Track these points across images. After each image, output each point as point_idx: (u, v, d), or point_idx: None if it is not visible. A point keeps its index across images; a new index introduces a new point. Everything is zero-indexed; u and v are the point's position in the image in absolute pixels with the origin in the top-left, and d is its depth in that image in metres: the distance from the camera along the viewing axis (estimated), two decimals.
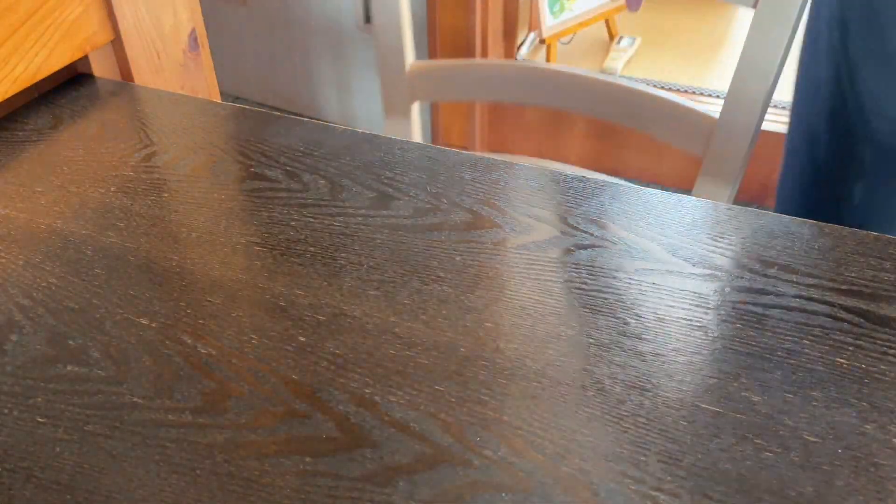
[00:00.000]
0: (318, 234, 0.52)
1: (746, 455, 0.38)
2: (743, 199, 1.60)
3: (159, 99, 0.71)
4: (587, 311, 0.45)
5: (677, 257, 0.49)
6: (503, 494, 0.36)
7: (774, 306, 0.46)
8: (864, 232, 0.51)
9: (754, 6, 0.74)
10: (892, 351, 0.43)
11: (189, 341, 0.45)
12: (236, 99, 2.12)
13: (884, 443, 0.38)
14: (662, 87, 1.97)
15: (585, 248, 0.50)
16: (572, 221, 0.53)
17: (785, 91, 0.87)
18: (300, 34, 1.94)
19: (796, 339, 0.44)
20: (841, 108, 0.72)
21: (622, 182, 0.56)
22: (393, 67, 0.83)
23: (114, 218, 0.55)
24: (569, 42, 2.18)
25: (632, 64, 2.12)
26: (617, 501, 0.36)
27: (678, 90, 1.99)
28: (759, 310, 0.45)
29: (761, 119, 0.78)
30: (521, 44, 2.00)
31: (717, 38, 2.19)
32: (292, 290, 0.48)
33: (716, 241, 0.51)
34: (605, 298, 0.46)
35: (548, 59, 1.91)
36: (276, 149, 0.62)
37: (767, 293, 0.47)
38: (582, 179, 0.57)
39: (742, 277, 0.48)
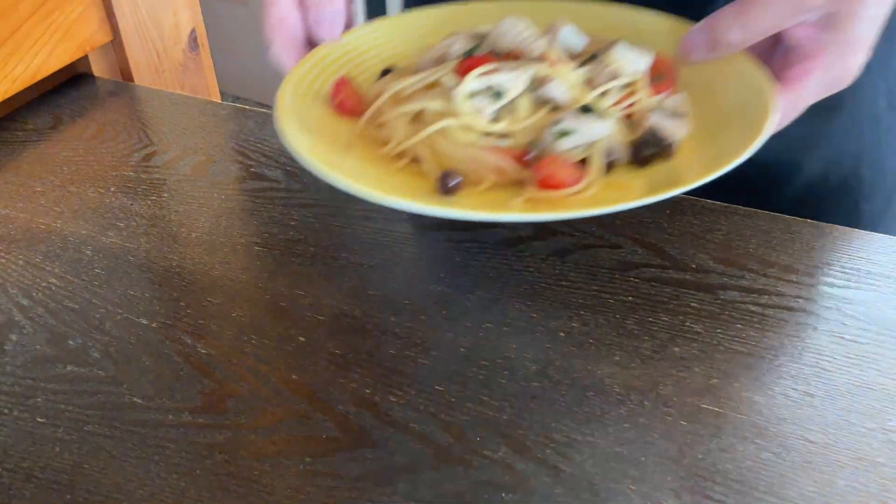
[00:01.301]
0: (318, 234, 0.52)
1: (747, 455, 0.38)
2: None
3: (159, 99, 0.71)
4: (587, 310, 0.45)
5: (676, 257, 0.49)
6: (503, 494, 0.36)
7: (774, 306, 0.46)
8: (866, 232, 0.51)
9: None
10: (891, 353, 0.43)
11: (189, 341, 0.45)
12: (236, 99, 2.12)
13: (885, 443, 0.38)
14: None
15: (585, 248, 0.50)
16: (572, 222, 0.53)
17: None
18: None
19: (797, 338, 0.44)
20: None
21: None
22: None
23: (113, 218, 0.55)
24: None
25: None
26: (617, 501, 0.36)
27: None
28: (758, 310, 0.45)
29: None
30: None
31: None
32: (292, 290, 0.48)
33: (715, 241, 0.51)
34: (605, 298, 0.46)
35: None
36: (276, 149, 0.62)
37: (767, 293, 0.47)
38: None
39: (742, 277, 0.48)
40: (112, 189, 0.58)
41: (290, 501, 0.36)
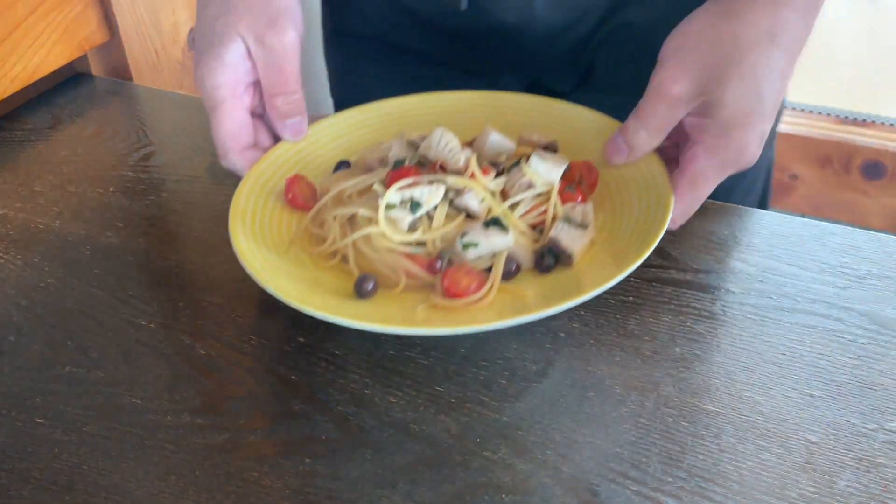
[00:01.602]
0: None
1: (747, 455, 0.37)
2: None
3: (158, 98, 0.71)
4: (588, 311, 0.45)
5: (677, 257, 0.49)
6: (503, 495, 0.36)
7: (775, 306, 0.46)
8: (867, 232, 0.50)
9: None
10: (891, 353, 0.43)
11: (188, 341, 0.44)
12: None
13: (886, 443, 0.38)
14: None
15: None
16: None
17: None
18: None
19: (798, 338, 0.44)
20: None
21: None
22: None
23: (112, 218, 0.55)
24: None
25: None
26: (617, 502, 0.36)
27: None
28: (759, 310, 0.45)
29: None
30: None
31: None
32: None
33: (716, 241, 0.50)
34: (605, 299, 0.46)
35: None
36: None
37: (768, 293, 0.46)
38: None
39: (743, 277, 0.48)
40: (111, 189, 0.58)
41: (290, 502, 0.36)
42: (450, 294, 0.39)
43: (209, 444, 0.39)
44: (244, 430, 0.39)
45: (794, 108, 1.53)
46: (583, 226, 0.41)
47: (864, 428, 0.39)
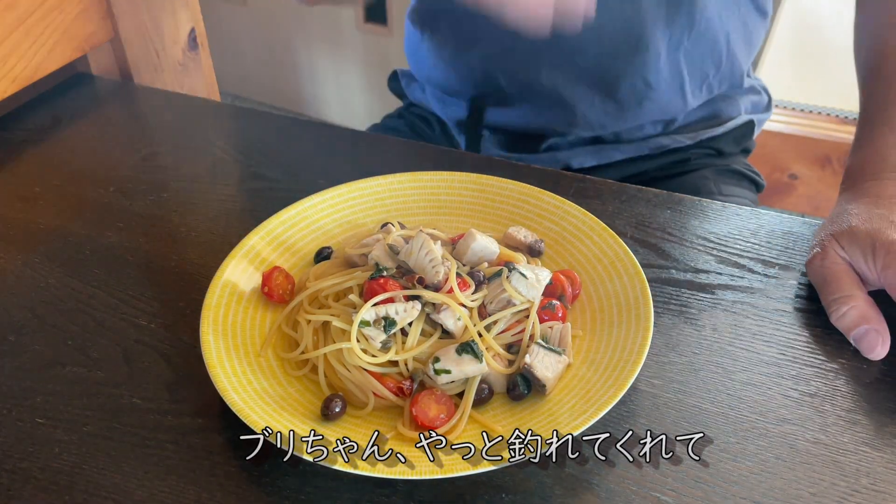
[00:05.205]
0: None
1: (747, 455, 0.37)
2: None
3: (158, 98, 0.71)
4: None
5: (677, 257, 0.49)
6: (503, 495, 0.36)
7: (775, 307, 0.46)
8: None
9: None
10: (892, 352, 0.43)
11: (188, 341, 0.44)
12: (236, 98, 2.12)
13: (887, 443, 0.38)
14: None
15: None
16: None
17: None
18: (300, 33, 1.94)
19: (797, 339, 0.44)
20: None
21: (620, 182, 0.56)
22: None
23: (113, 218, 0.55)
24: None
25: None
26: (617, 502, 0.36)
27: None
28: (759, 310, 0.45)
29: None
30: None
31: None
32: None
33: (716, 240, 0.51)
34: None
35: None
36: (275, 148, 0.62)
37: (768, 294, 0.46)
38: (583, 180, 0.57)
39: (743, 278, 0.48)
40: (111, 189, 0.58)
41: (290, 501, 0.36)
42: (418, 423, 0.38)
43: (209, 445, 0.39)
44: (244, 430, 0.39)
45: (793, 108, 1.53)
46: (559, 350, 0.40)
47: (865, 428, 0.39)
